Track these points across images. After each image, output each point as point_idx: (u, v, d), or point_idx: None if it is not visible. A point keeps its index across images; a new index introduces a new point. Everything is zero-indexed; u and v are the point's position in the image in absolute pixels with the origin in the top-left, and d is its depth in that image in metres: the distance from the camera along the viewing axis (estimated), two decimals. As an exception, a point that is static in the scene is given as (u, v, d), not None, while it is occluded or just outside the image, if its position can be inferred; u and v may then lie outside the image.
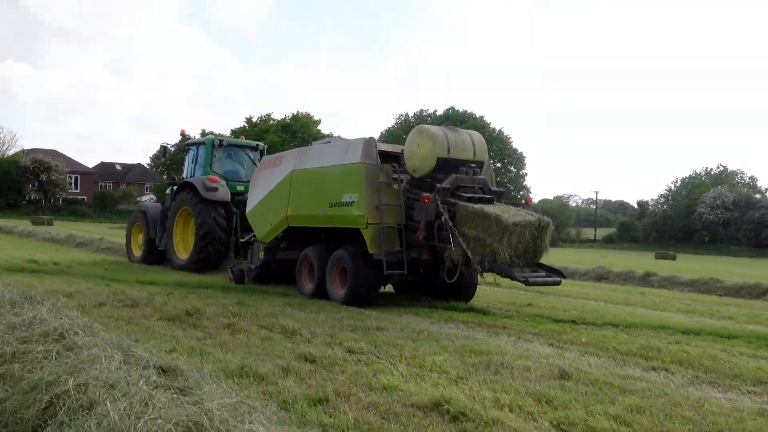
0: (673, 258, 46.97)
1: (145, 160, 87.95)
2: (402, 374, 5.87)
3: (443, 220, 9.57)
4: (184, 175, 16.89)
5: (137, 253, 17.33)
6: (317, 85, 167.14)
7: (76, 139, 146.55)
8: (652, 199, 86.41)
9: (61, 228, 37.63)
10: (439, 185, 9.98)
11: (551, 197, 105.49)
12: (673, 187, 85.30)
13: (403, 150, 10.99)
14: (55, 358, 4.53)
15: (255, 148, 16.95)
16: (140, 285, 11.79)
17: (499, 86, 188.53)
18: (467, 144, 10.56)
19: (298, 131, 77.71)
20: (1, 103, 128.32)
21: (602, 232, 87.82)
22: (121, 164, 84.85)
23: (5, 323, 5.38)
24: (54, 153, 67.57)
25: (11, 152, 66.28)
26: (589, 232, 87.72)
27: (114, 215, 58.98)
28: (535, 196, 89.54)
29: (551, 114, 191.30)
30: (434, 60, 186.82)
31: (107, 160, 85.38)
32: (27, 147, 68.38)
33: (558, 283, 9.56)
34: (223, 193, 15.00)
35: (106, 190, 72.08)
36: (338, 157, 10.94)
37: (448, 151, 10.27)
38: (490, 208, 9.47)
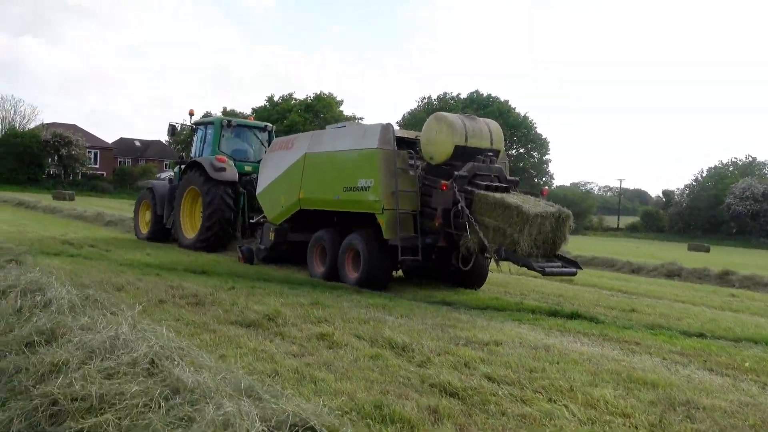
0: (707, 250, 45.31)
1: (163, 137, 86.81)
2: (579, 419, 4.54)
3: (460, 207, 9.42)
4: (192, 154, 16.59)
5: (144, 230, 17.08)
6: (336, 67, 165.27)
7: (93, 115, 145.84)
8: (678, 189, 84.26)
9: (83, 203, 36.58)
10: (456, 173, 9.82)
11: (568, 184, 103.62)
12: (699, 177, 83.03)
13: (418, 136, 10.87)
14: (164, 409, 3.22)
15: (263, 129, 16.69)
16: (193, 275, 10.52)
17: (522, 73, 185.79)
18: (484, 132, 10.44)
19: (320, 111, 76.53)
20: (18, 78, 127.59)
21: (623, 221, 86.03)
22: (140, 140, 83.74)
23: (78, 345, 4.08)
24: (74, 128, 66.54)
25: (31, 126, 65.33)
26: (609, 220, 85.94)
27: (134, 191, 57.96)
28: (555, 183, 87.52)
29: (570, 102, 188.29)
30: (457, 45, 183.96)
31: (126, 136, 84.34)
32: (47, 121, 67.45)
33: (574, 274, 9.39)
34: (231, 173, 14.76)
35: (125, 165, 71.08)
36: (354, 142, 10.81)
37: (466, 139, 10.15)
38: (511, 198, 9.28)
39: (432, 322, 7.74)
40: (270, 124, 17.03)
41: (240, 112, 74.35)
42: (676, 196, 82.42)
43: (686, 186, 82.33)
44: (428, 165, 10.51)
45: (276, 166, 12.60)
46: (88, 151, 64.91)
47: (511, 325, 8.07)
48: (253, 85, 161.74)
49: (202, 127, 16.49)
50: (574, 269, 9.26)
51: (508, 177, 10.41)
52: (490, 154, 10.32)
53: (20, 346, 4.31)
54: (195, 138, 16.85)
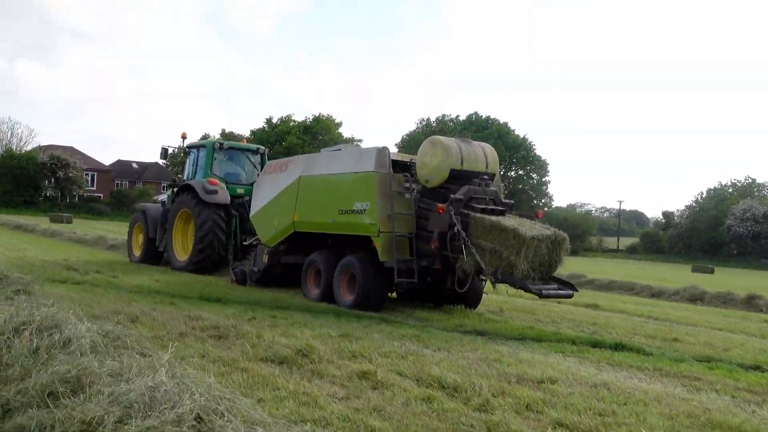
0: (711, 272, 44.89)
1: (161, 159, 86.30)
2: (679, 476, 3.97)
3: (456, 230, 9.42)
4: (185, 177, 16.68)
5: (137, 252, 17.04)
6: (334, 89, 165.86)
7: (89, 138, 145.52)
8: (678, 210, 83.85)
9: (81, 226, 35.94)
10: (453, 196, 9.85)
11: (564, 205, 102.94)
12: (699, 199, 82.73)
13: (413, 159, 10.97)
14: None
15: (256, 152, 16.75)
16: (208, 303, 9.93)
17: (517, 91, 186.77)
18: (480, 156, 10.51)
19: (319, 133, 76.38)
20: (13, 101, 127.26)
21: (622, 242, 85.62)
22: (137, 162, 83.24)
23: (112, 398, 3.50)
24: (71, 150, 66.03)
25: (28, 148, 64.78)
26: (608, 242, 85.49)
27: (132, 214, 57.37)
28: (554, 204, 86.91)
29: (564, 123, 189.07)
30: (453, 66, 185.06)
31: (124, 158, 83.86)
32: (44, 143, 66.92)
33: (570, 296, 9.37)
34: (223, 195, 14.82)
35: (123, 188, 70.47)
36: (350, 165, 10.85)
37: (461, 162, 10.20)
38: (507, 221, 9.30)
39: (474, 356, 7.17)
40: (262, 147, 17.01)
41: (238, 134, 74.09)
42: (675, 218, 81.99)
43: (686, 207, 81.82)
44: (423, 188, 10.55)
45: (270, 189, 12.57)
46: (85, 174, 64.37)
47: (557, 359, 7.51)
48: (250, 106, 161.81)
49: (194, 150, 16.46)
50: (570, 291, 9.28)
51: (503, 200, 10.45)
52: (486, 177, 10.35)
53: (42, 396, 3.74)
54: (188, 161, 16.84)
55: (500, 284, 9.34)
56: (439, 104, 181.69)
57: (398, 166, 10.88)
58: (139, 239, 17.09)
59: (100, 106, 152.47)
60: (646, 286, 18.58)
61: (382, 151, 10.39)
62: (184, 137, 16.99)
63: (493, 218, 9.37)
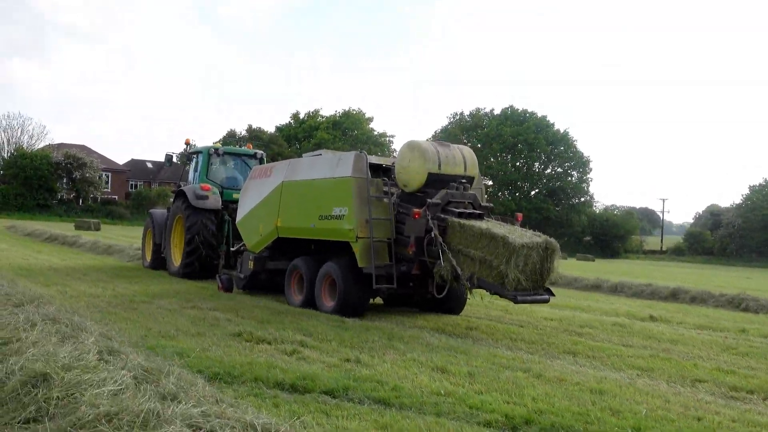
0: (813, 282, 39.19)
1: (175, 158, 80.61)
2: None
3: (433, 235, 9.38)
4: (188, 183, 16.67)
5: (149, 258, 17.10)
6: (356, 84, 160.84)
7: (95, 137, 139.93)
8: (728, 206, 77.94)
9: (110, 233, 30.51)
10: (429, 200, 9.84)
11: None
12: (747, 195, 76.69)
13: (393, 163, 11.03)
14: None
15: (254, 156, 16.86)
16: None
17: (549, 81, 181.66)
18: (458, 159, 10.51)
19: (349, 128, 71.32)
20: (8, 100, 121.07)
21: (653, 241, 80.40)
22: (152, 162, 77.52)
23: None
24: (87, 149, 60.35)
25: (40, 146, 58.86)
26: (651, 242, 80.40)
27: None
28: (596, 205, 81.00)
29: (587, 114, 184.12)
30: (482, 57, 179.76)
31: (137, 158, 78.19)
32: (56, 141, 61.13)
33: (546, 301, 9.11)
34: (213, 201, 14.87)
35: (141, 189, 64.79)
36: (329, 170, 10.90)
37: (439, 166, 10.22)
38: (497, 229, 9.06)
39: None
40: (260, 152, 17.20)
41: (266, 131, 68.90)
42: (723, 217, 76.12)
43: (738, 206, 75.89)
44: (403, 192, 10.55)
45: (255, 194, 12.69)
46: (101, 174, 58.71)
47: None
48: (267, 101, 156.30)
49: (195, 156, 16.60)
50: (546, 296, 9.01)
51: (483, 203, 10.43)
52: (464, 180, 10.35)
53: None
54: (190, 167, 17.00)
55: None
56: (471, 97, 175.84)
57: (380, 169, 11.10)
58: (151, 245, 17.03)
59: (101, 104, 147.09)
60: (723, 294, 12.98)
61: (360, 156, 10.47)
62: (187, 143, 16.95)
63: (483, 226, 9.14)
